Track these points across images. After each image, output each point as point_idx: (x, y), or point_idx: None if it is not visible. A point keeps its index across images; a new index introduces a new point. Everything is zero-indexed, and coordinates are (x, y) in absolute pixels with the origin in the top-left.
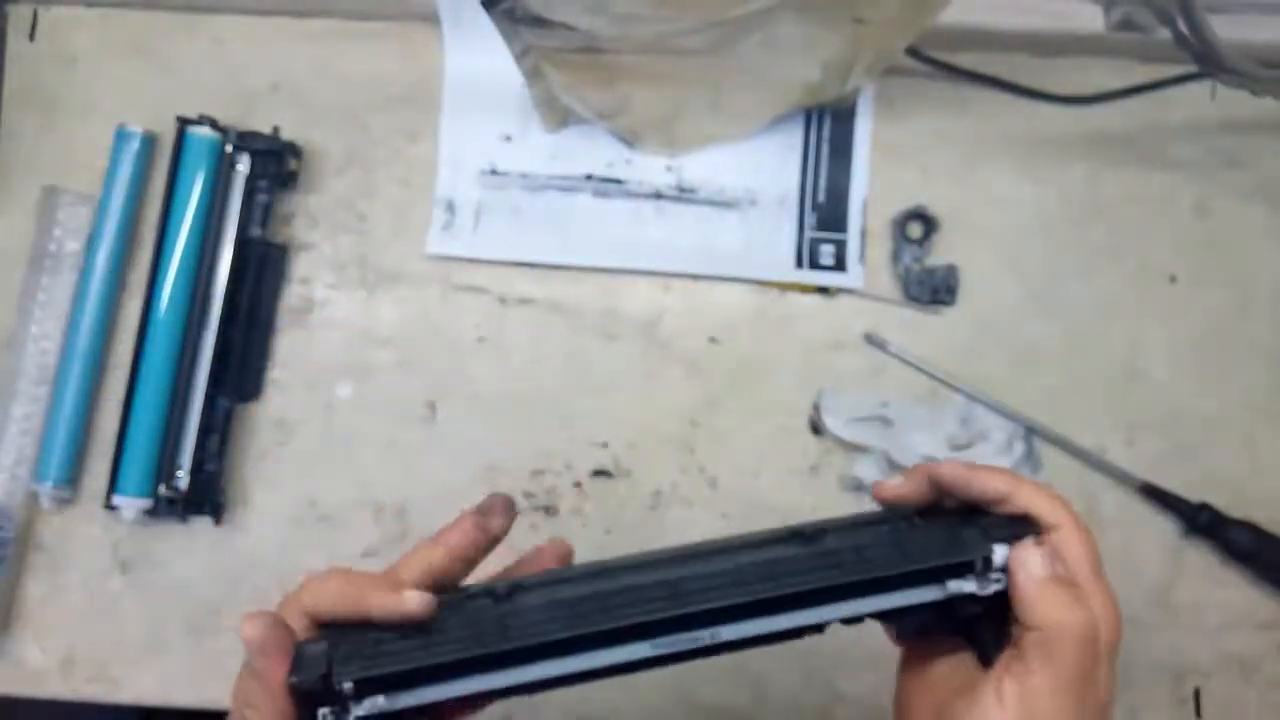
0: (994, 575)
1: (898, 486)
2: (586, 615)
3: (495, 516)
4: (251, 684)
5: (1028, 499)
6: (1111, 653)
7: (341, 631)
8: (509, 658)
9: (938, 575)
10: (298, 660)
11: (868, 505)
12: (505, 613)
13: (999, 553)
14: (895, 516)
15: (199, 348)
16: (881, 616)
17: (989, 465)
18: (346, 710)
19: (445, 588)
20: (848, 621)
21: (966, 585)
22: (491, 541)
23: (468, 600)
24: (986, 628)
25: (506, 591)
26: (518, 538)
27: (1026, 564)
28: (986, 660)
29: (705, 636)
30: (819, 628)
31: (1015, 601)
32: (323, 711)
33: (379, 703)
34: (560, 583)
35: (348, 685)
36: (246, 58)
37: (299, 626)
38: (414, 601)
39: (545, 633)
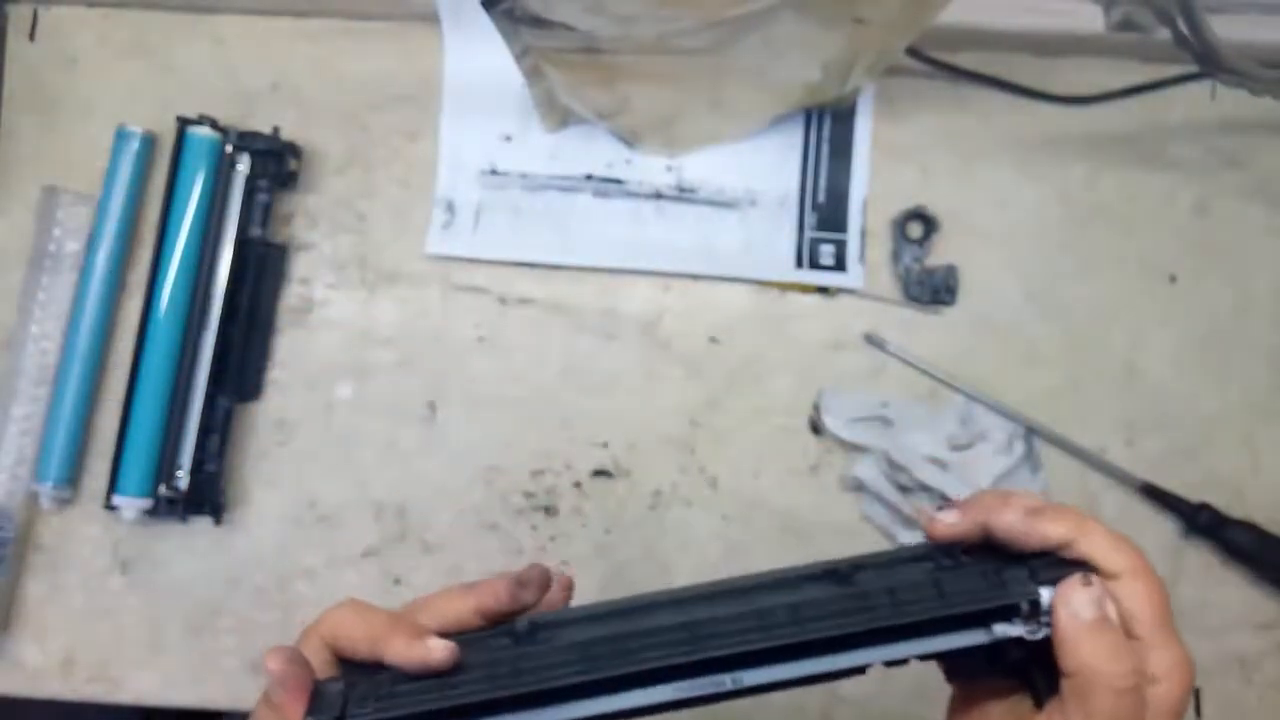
0: (1044, 619)
1: (952, 526)
2: (604, 658)
3: (531, 590)
4: (270, 717)
5: (1090, 546)
6: (1173, 711)
7: (361, 669)
8: (526, 701)
9: (980, 619)
10: (315, 699)
11: (868, 505)
12: (522, 654)
13: (1046, 596)
14: (938, 552)
15: (199, 348)
16: (925, 658)
17: (1051, 507)
18: None
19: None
20: (891, 664)
21: (1013, 630)
22: (519, 610)
23: (485, 640)
24: (1039, 672)
25: (526, 631)
26: (518, 537)
27: (1070, 603)
28: (1041, 705)
29: (727, 681)
30: (860, 669)
31: (1055, 642)
32: None
33: None
34: (580, 622)
35: None
36: (246, 58)
37: (319, 660)
38: (438, 652)
39: (562, 676)
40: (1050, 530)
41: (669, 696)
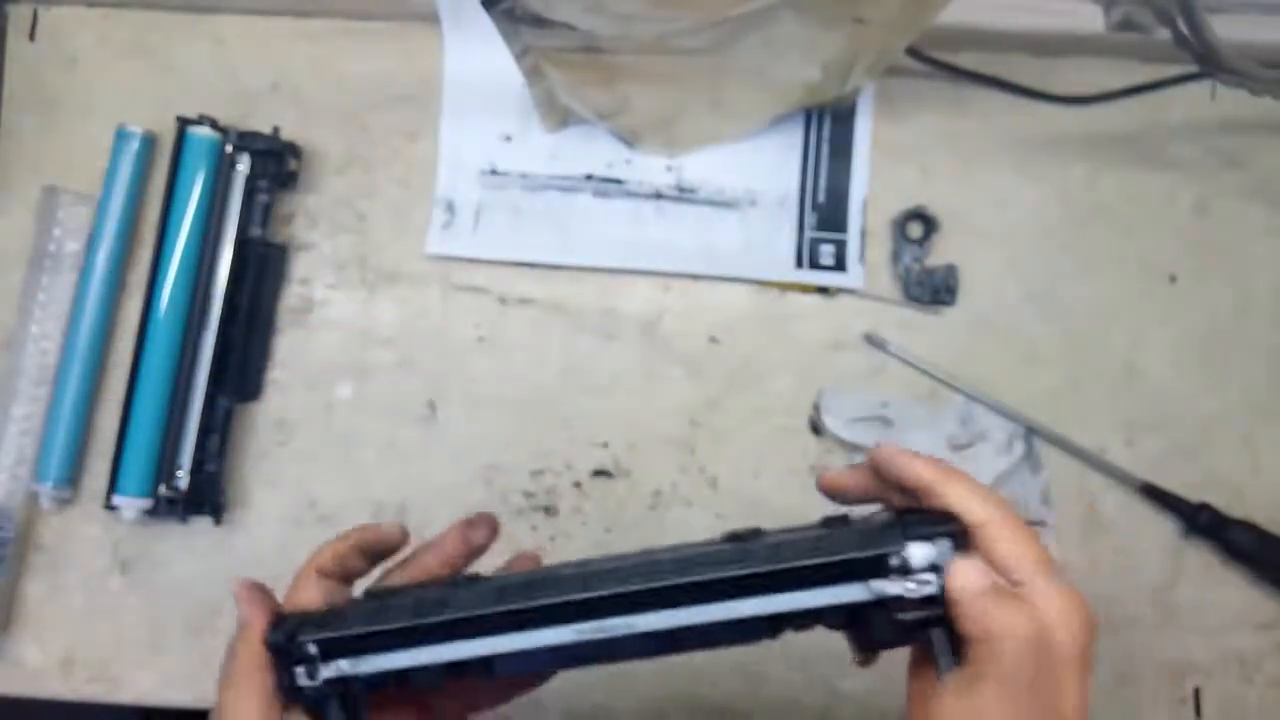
0: (923, 577)
1: (838, 475)
2: (511, 598)
3: (479, 530)
4: (237, 638)
5: (953, 494)
6: (1081, 656)
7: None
8: (446, 631)
9: (854, 572)
10: (276, 623)
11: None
12: (452, 594)
13: (916, 551)
14: (836, 521)
15: (199, 348)
16: (818, 619)
17: (928, 456)
18: (316, 670)
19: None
20: (799, 627)
21: (891, 587)
22: (474, 552)
23: (431, 585)
24: (940, 640)
25: (465, 580)
26: (518, 537)
27: (960, 574)
28: (939, 674)
29: (620, 625)
30: (770, 633)
31: (957, 618)
32: (297, 670)
33: (342, 666)
34: (510, 576)
35: (310, 646)
36: (246, 58)
37: (316, 590)
38: (390, 526)
39: (471, 609)
40: (915, 467)
41: (570, 638)
